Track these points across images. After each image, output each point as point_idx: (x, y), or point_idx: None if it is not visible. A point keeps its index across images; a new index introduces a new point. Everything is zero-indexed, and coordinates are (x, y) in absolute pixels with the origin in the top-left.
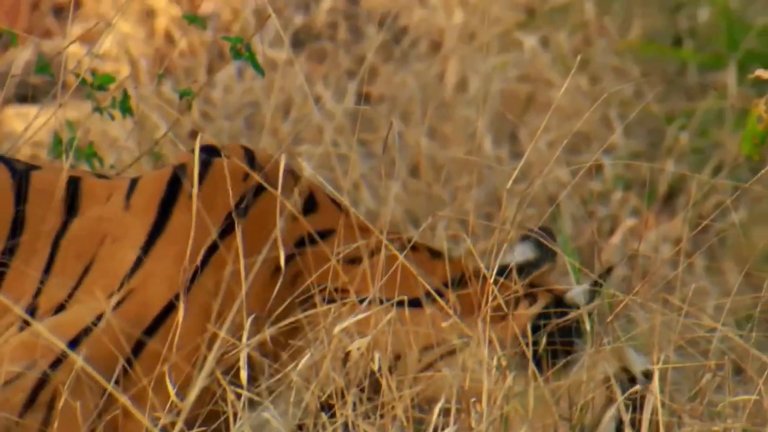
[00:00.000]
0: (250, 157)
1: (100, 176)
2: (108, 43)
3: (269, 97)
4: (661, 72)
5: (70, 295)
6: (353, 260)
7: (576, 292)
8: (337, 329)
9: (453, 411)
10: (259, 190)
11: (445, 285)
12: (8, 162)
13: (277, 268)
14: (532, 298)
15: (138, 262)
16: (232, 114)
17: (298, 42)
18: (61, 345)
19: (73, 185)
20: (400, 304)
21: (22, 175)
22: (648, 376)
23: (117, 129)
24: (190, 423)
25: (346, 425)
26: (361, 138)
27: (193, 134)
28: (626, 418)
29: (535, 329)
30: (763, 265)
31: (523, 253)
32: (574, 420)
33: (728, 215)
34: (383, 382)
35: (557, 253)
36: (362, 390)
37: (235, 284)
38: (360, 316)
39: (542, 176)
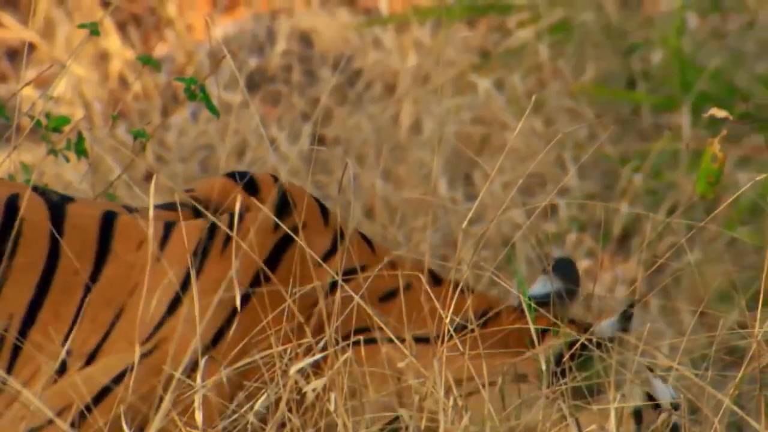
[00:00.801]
0: (281, 190)
1: (131, 210)
2: (62, 86)
3: (224, 139)
4: (615, 114)
5: (101, 343)
6: (386, 297)
7: (605, 324)
8: (293, 370)
9: None
10: (295, 230)
11: (475, 317)
12: (44, 194)
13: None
14: (555, 330)
15: (168, 313)
16: (187, 157)
17: (252, 84)
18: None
19: (108, 221)
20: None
21: (58, 207)
22: (677, 408)
23: (71, 172)
24: None
25: None
26: (316, 180)
27: (148, 177)
28: None
29: (561, 361)
30: (717, 304)
31: (544, 286)
32: None
33: (683, 255)
34: (339, 422)
35: (579, 284)
36: (318, 430)
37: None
38: (317, 357)
39: (497, 217)
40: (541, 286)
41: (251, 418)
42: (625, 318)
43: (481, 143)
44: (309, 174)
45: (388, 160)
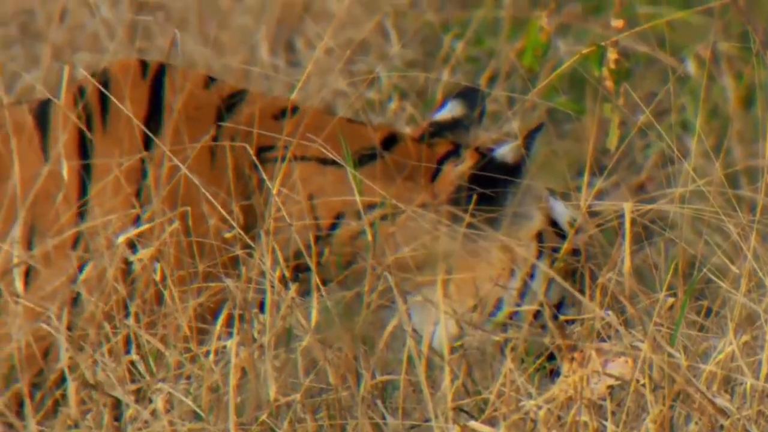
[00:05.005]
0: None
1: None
2: None
3: (44, 4)
4: None
5: None
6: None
7: (505, 149)
8: (120, 239)
9: (236, 322)
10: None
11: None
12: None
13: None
14: (458, 156)
15: None
16: (7, 20)
17: None
18: None
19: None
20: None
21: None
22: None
23: None
24: None
25: (129, 336)
26: (140, 47)
27: None
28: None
29: (464, 188)
30: (538, 173)
31: (452, 109)
32: (356, 330)
33: (504, 124)
34: (166, 293)
35: (485, 111)
36: (145, 301)
37: None
38: (144, 228)
39: (323, 87)
40: (447, 110)
41: (78, 287)
42: (528, 142)
43: (303, 10)
44: (135, 41)
45: (210, 27)
